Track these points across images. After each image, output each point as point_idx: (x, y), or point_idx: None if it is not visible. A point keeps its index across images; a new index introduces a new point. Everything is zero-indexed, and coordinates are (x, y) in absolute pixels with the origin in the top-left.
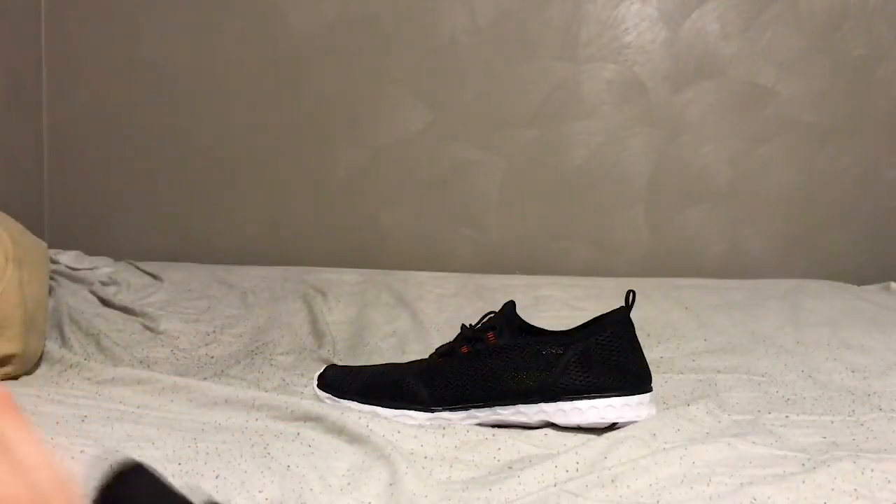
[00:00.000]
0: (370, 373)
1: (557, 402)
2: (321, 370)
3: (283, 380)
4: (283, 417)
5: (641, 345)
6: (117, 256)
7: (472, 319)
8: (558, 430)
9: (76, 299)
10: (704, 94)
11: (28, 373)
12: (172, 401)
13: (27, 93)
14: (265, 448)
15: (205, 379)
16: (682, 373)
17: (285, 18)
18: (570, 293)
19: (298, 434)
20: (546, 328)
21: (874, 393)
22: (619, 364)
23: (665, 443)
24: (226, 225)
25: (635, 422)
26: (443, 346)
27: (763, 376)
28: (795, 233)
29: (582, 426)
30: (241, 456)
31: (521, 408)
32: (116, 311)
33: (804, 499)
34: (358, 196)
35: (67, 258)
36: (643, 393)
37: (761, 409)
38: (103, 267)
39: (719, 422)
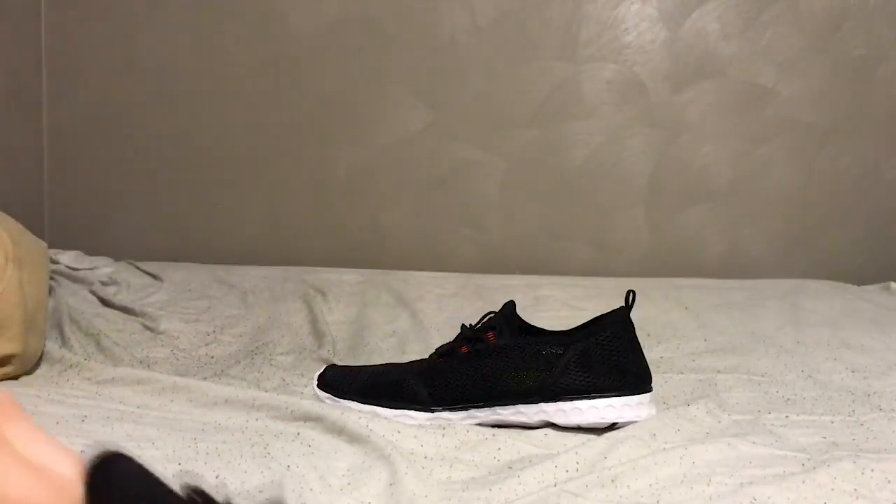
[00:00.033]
0: (370, 373)
1: (557, 402)
2: (321, 370)
3: (283, 380)
4: (283, 417)
5: (641, 345)
6: (117, 256)
7: (472, 319)
8: (558, 430)
9: (76, 299)
10: (704, 94)
11: (28, 373)
12: (172, 401)
13: (27, 93)
14: (265, 448)
15: (205, 379)
16: (682, 373)
17: (285, 19)
18: (570, 293)
19: (298, 434)
20: (546, 328)
21: (874, 393)
22: (619, 364)
23: (665, 443)
24: (226, 225)
25: (635, 422)
26: (443, 346)
27: (763, 376)
28: (795, 233)
29: (582, 426)
30: (241, 456)
31: (521, 408)
32: (116, 311)
33: (804, 499)
34: (358, 196)
35: (67, 258)
36: (643, 393)
37: (761, 409)
38: (103, 267)
39: (719, 422)
